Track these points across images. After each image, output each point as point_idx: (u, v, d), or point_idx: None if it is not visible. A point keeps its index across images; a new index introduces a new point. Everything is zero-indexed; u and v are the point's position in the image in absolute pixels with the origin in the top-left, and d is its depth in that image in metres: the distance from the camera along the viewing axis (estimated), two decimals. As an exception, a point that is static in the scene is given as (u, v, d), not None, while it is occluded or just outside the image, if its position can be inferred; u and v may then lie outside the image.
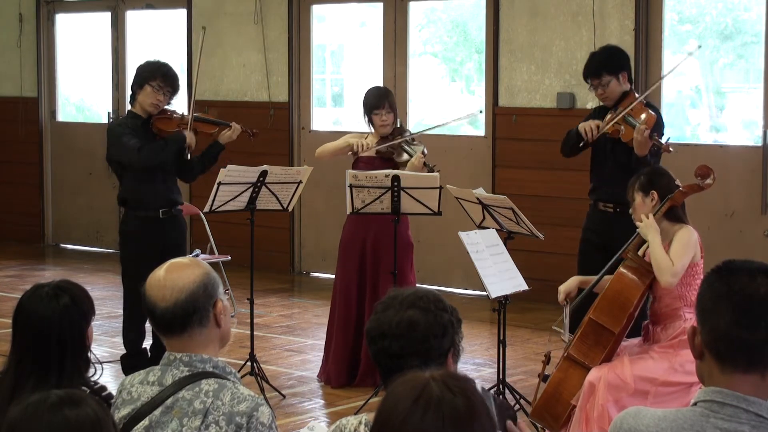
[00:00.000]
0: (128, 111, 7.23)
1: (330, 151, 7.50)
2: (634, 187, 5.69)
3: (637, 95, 6.86)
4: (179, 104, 7.44)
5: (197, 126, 7.18)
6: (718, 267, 2.50)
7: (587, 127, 6.78)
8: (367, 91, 7.51)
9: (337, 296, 7.44)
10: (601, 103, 7.05)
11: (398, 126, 7.59)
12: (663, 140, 6.59)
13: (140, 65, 7.14)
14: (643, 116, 6.69)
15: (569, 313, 5.82)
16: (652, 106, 6.94)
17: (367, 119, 7.42)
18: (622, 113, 6.69)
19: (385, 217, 7.06)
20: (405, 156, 7.30)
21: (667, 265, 5.42)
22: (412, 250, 7.43)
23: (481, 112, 7.90)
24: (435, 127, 7.95)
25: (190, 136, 7.04)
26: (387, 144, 7.31)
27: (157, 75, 6.97)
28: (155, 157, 6.92)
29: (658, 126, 6.72)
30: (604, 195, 6.85)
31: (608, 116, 6.82)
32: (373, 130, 7.42)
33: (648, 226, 5.52)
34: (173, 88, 7.05)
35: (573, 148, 6.98)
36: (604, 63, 6.88)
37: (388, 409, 2.15)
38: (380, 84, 10.67)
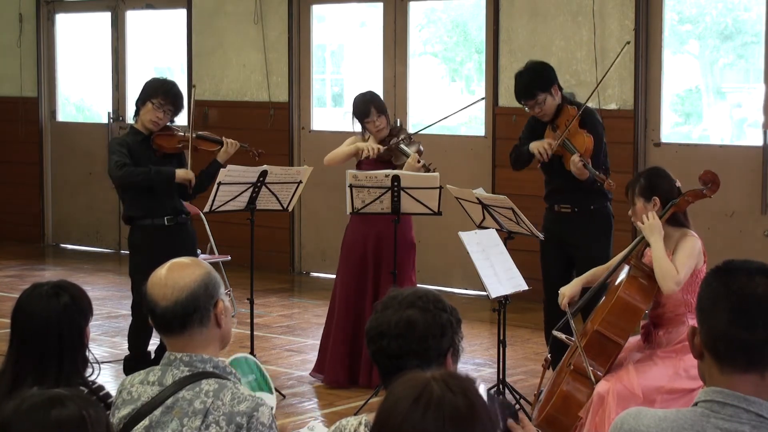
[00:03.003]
0: (130, 127, 7.22)
1: (340, 157, 7.46)
2: (635, 191, 5.59)
3: (569, 107, 6.79)
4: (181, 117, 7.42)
5: (199, 144, 7.14)
6: (717, 267, 2.49)
7: (540, 148, 6.77)
8: (354, 101, 7.51)
9: (337, 296, 7.43)
10: None
11: (394, 126, 7.60)
12: (607, 166, 6.55)
13: (147, 81, 7.15)
14: (579, 140, 6.65)
15: (571, 317, 5.82)
16: (591, 120, 6.83)
17: (361, 128, 7.43)
18: (561, 137, 6.65)
19: (387, 217, 7.07)
20: (403, 158, 7.31)
21: (672, 273, 5.34)
22: (415, 250, 7.42)
23: (483, 99, 7.87)
24: (436, 122, 7.90)
25: (182, 174, 6.94)
26: (385, 148, 7.33)
27: (159, 93, 6.95)
28: (132, 178, 6.89)
29: (598, 150, 6.70)
30: (561, 200, 6.88)
31: (550, 132, 6.81)
32: (371, 136, 7.44)
33: (652, 226, 5.43)
34: (175, 107, 7.02)
35: (526, 164, 7.01)
36: (534, 82, 6.77)
37: (389, 408, 2.15)
38: (380, 84, 10.70)
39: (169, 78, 7.26)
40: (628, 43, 7.70)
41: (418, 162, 7.17)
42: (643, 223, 5.49)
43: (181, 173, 6.94)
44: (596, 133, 6.75)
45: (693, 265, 5.40)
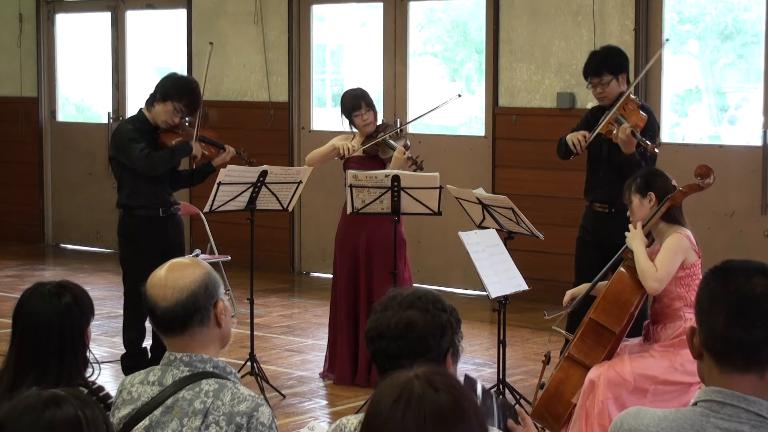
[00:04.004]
0: (140, 111, 7.12)
1: (318, 157, 7.53)
2: (631, 189, 5.72)
3: (632, 96, 6.84)
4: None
5: (201, 146, 7.16)
6: (716, 267, 2.50)
7: (574, 139, 6.81)
8: (343, 96, 7.56)
9: (338, 295, 7.43)
10: (598, 103, 7.06)
11: (382, 123, 7.63)
12: (654, 142, 6.58)
13: (172, 76, 7.09)
14: (633, 117, 6.68)
15: (570, 311, 5.86)
16: (647, 108, 6.92)
17: (349, 122, 7.44)
18: (614, 113, 6.69)
19: (378, 216, 7.08)
20: (390, 152, 7.33)
21: (651, 272, 5.48)
22: (406, 247, 7.43)
23: (459, 96, 7.91)
24: (418, 117, 7.92)
25: (196, 147, 7.03)
26: (371, 142, 7.35)
27: (184, 98, 6.91)
28: (162, 165, 6.91)
29: (649, 128, 6.71)
30: (600, 196, 6.88)
31: (602, 119, 6.83)
32: (357, 131, 7.45)
33: (634, 236, 5.60)
34: (193, 114, 7.04)
35: (566, 155, 7.02)
36: (606, 62, 6.88)
37: (373, 408, 2.14)
38: (380, 84, 10.71)
39: (192, 78, 7.21)
40: (668, 40, 7.67)
41: (404, 154, 7.18)
42: (634, 228, 5.64)
43: (196, 147, 7.01)
44: (651, 118, 6.79)
45: (676, 261, 5.51)
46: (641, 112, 6.73)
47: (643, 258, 5.51)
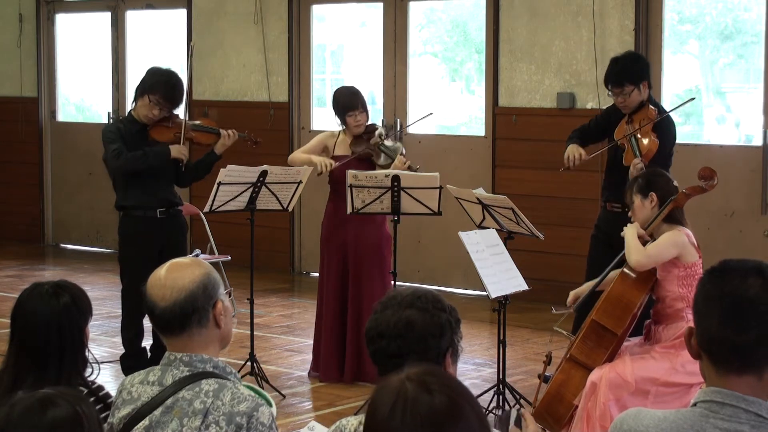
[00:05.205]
0: (129, 113, 7.20)
1: (297, 163, 7.44)
2: (632, 190, 5.74)
3: (651, 108, 6.83)
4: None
5: (194, 136, 7.15)
6: (712, 268, 2.49)
7: (572, 155, 6.89)
8: (338, 92, 7.49)
9: (326, 293, 7.42)
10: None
11: (371, 124, 7.62)
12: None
13: (149, 71, 7.07)
14: (646, 141, 6.68)
15: (572, 312, 5.88)
16: (666, 126, 6.87)
17: (340, 120, 7.41)
18: (632, 133, 6.70)
19: (362, 217, 7.13)
20: (383, 158, 7.30)
21: (638, 247, 5.53)
22: (391, 242, 7.39)
23: (431, 114, 7.88)
24: (403, 127, 7.92)
25: (176, 150, 6.97)
26: (364, 146, 7.34)
27: (158, 90, 6.91)
28: (131, 166, 6.89)
29: (658, 153, 6.71)
30: (613, 197, 6.90)
31: (618, 128, 6.87)
32: (346, 130, 7.43)
33: (629, 227, 5.66)
34: (173, 105, 7.01)
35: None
36: (627, 72, 6.85)
37: (371, 416, 2.12)
38: (380, 84, 10.71)
39: (172, 70, 7.18)
40: (693, 99, 7.70)
41: (405, 164, 7.19)
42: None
43: (175, 150, 6.96)
44: (664, 140, 6.79)
45: (667, 251, 5.53)
46: (654, 137, 6.71)
47: (633, 239, 5.57)
